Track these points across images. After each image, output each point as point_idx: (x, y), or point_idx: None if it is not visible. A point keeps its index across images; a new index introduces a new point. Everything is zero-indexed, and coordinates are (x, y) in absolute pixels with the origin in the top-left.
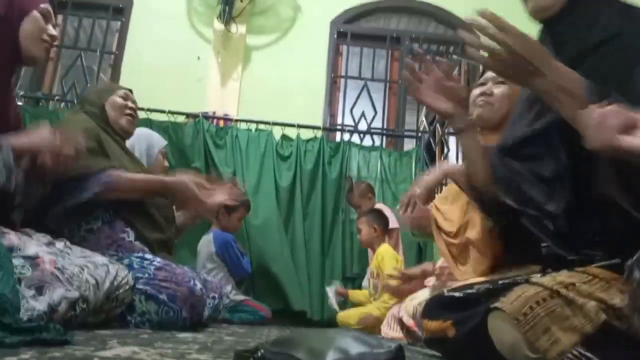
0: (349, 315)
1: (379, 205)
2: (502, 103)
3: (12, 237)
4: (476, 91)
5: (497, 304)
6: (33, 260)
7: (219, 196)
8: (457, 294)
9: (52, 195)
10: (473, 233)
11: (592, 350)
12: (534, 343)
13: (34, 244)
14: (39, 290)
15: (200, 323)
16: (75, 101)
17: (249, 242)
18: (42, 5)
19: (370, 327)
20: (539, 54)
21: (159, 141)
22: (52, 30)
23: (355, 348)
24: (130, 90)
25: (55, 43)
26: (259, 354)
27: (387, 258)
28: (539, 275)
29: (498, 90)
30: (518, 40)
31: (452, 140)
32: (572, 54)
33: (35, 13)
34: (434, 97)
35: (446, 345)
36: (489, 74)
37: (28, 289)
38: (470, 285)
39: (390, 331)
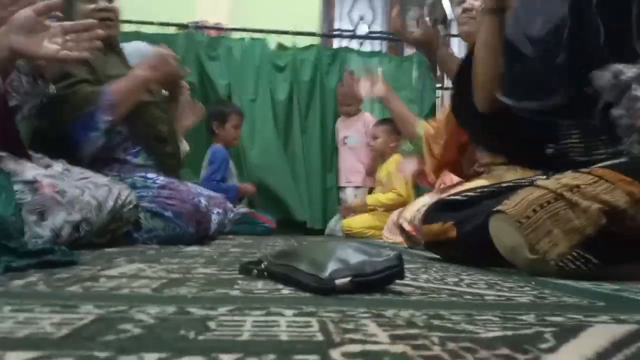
0: (351, 222)
1: (366, 114)
2: None
3: (9, 162)
4: (458, 10)
5: (499, 207)
6: (32, 185)
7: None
8: (459, 197)
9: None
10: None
11: (591, 252)
12: (535, 245)
13: (32, 168)
14: (41, 215)
15: (207, 237)
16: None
17: (247, 156)
18: None
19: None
20: None
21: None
22: None
23: (354, 258)
24: None
25: None
26: (263, 266)
27: (396, 169)
28: (543, 178)
29: (477, 2)
30: None
31: (455, 42)
32: None
33: None
34: None
35: (446, 248)
36: None
37: (30, 214)
38: (473, 189)
39: (391, 236)
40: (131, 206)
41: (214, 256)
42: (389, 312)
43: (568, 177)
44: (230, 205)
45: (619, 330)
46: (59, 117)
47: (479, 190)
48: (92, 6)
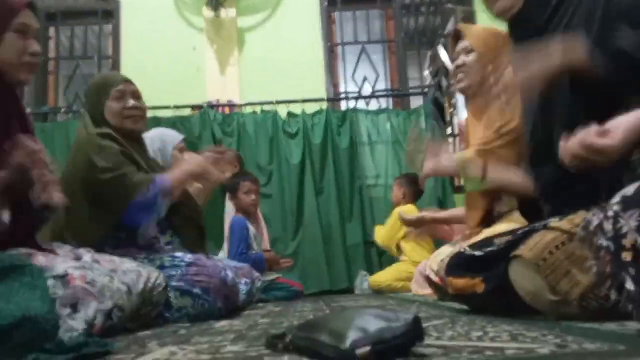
0: (378, 277)
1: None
2: (475, 68)
3: (40, 258)
4: (452, 67)
5: (516, 252)
6: (63, 279)
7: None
8: (477, 253)
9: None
10: None
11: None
12: (555, 286)
13: (62, 262)
14: (74, 307)
15: (236, 309)
16: (82, 110)
17: (267, 223)
18: (15, 21)
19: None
20: None
21: (173, 138)
22: (33, 46)
23: (373, 325)
24: (128, 80)
25: (38, 56)
26: (287, 340)
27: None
28: (557, 219)
29: (468, 58)
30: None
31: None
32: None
33: (10, 34)
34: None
35: (474, 299)
36: (459, 46)
37: (63, 308)
38: (490, 241)
39: (419, 289)
40: (160, 289)
41: (243, 330)
42: None
43: (581, 217)
44: (257, 274)
45: None
46: (113, 205)
47: (496, 242)
48: (123, 105)
